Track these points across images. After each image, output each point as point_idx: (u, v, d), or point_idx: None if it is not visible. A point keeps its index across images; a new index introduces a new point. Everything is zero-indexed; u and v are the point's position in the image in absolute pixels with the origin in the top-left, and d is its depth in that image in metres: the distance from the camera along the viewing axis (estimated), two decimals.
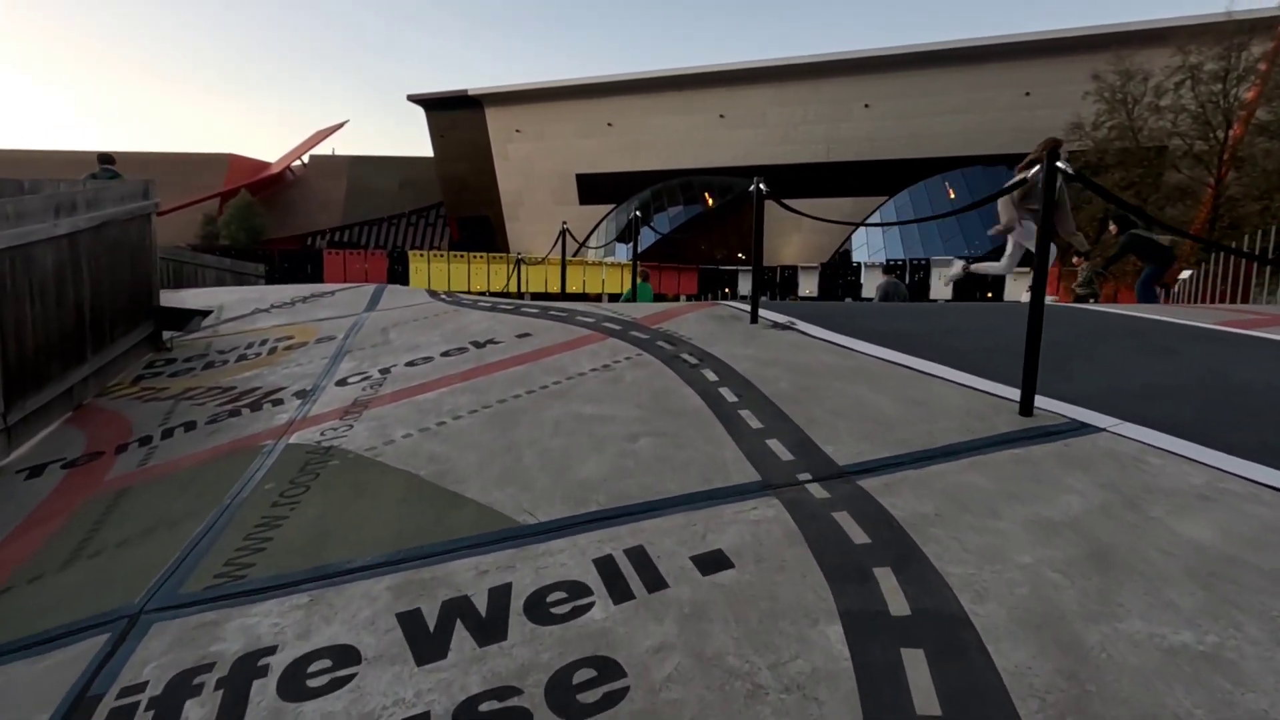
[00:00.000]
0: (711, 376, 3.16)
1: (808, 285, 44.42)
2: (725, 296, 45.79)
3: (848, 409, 2.72)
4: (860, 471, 2.20)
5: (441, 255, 48.08)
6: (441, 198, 59.36)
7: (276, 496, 2.38)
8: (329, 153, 65.31)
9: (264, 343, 4.81)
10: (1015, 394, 2.67)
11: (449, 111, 53.91)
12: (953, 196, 44.95)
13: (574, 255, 52.13)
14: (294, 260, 45.59)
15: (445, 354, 3.95)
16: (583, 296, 46.48)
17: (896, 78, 43.21)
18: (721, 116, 47.72)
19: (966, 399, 2.78)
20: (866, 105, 44.44)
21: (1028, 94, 41.14)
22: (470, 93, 52.50)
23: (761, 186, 4.20)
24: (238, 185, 58.16)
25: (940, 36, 61.95)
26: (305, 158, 64.84)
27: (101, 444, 3.34)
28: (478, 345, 4.03)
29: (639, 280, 8.26)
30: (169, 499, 2.61)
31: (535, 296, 47.72)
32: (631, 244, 50.54)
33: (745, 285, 46.03)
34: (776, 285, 44.84)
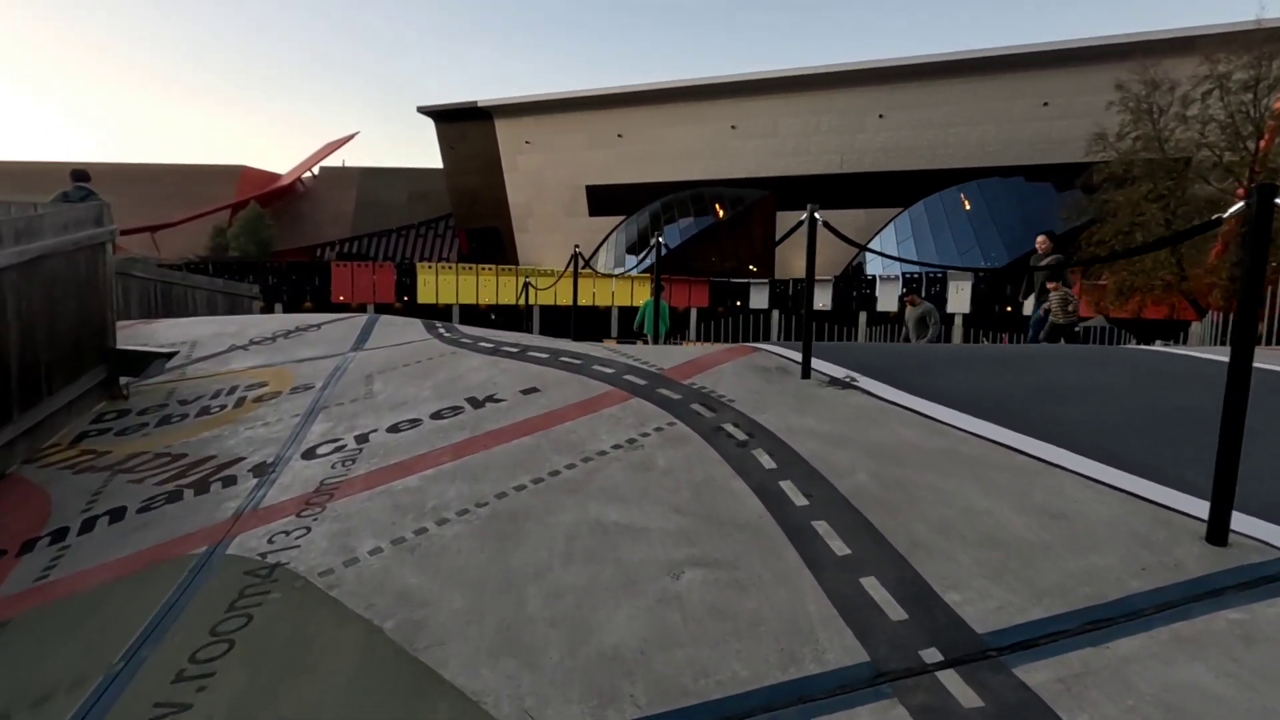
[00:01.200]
0: (767, 462, 2.48)
1: (821, 299, 43.60)
2: (737, 309, 45.02)
3: (958, 523, 2.04)
4: (1013, 648, 1.51)
5: (450, 267, 47.64)
6: (451, 209, 59.09)
7: (186, 661, 1.72)
8: (339, 164, 65.36)
9: (233, 390, 4.17)
10: (1186, 503, 1.99)
11: (459, 123, 53.69)
12: (968, 208, 44.20)
13: (583, 267, 51.67)
14: (302, 272, 45.31)
15: (436, 415, 3.29)
16: (593, 310, 45.89)
17: (911, 88, 42.54)
18: (733, 127, 47.16)
19: (1119, 509, 2.09)
20: (881, 116, 43.78)
21: (1046, 104, 40.38)
22: (480, 104, 52.26)
23: (816, 215, 3.53)
24: (248, 197, 58.17)
25: (956, 46, 61.37)
26: (316, 169, 64.89)
27: (7, 538, 2.70)
28: (475, 404, 3.37)
29: (657, 302, 7.61)
30: (50, 646, 1.96)
31: (544, 310, 47.09)
32: (650, 259, 49.98)
33: (757, 299, 45.29)
34: (789, 299, 44.16)
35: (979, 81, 41.09)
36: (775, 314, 45.00)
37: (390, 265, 48.43)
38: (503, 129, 52.98)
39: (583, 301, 47.68)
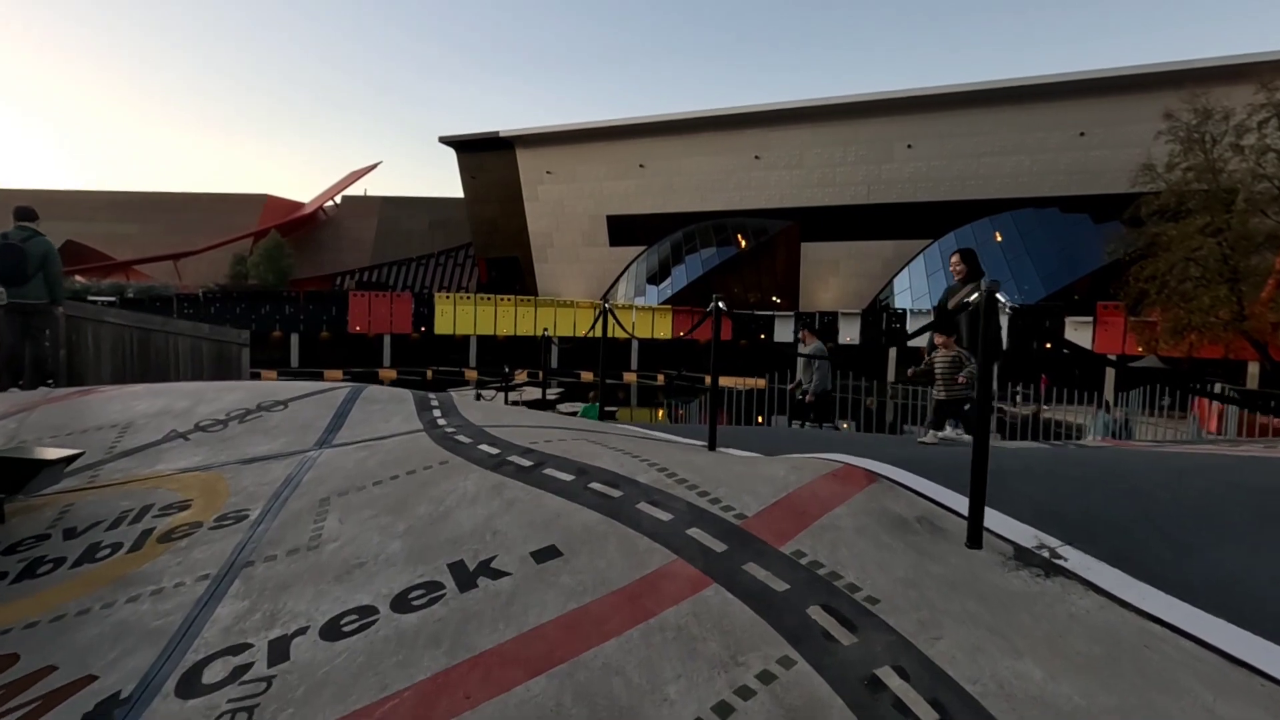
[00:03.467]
0: None
1: (848, 332, 42.20)
2: (760, 342, 43.63)
3: None
4: None
5: (468, 298, 47.00)
6: (471, 238, 58.81)
7: None
8: (361, 193, 65.69)
9: (144, 513, 3.05)
10: None
11: (480, 153, 53.62)
12: (999, 240, 42.72)
13: (602, 298, 50.82)
14: (320, 302, 44.90)
15: (401, 600, 2.13)
16: (612, 342, 44.84)
17: (941, 117, 41.47)
18: (757, 157, 46.33)
19: None
20: (909, 146, 42.68)
21: (1082, 134, 39.06)
22: (501, 134, 52.17)
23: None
24: (271, 225, 58.42)
25: (987, 75, 60.60)
26: (338, 198, 65.25)
27: None
28: (462, 579, 2.20)
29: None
30: None
31: (563, 341, 46.14)
32: (671, 290, 48.92)
33: (782, 331, 43.94)
34: (816, 332, 42.74)
35: (1012, 111, 39.93)
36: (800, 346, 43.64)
37: (408, 295, 47.92)
38: (524, 159, 52.74)
39: (599, 333, 46.90)
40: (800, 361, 8.33)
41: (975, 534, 2.17)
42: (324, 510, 2.88)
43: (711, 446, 3.78)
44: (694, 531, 2.34)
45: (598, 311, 4.93)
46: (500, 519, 2.58)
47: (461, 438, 3.60)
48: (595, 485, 2.77)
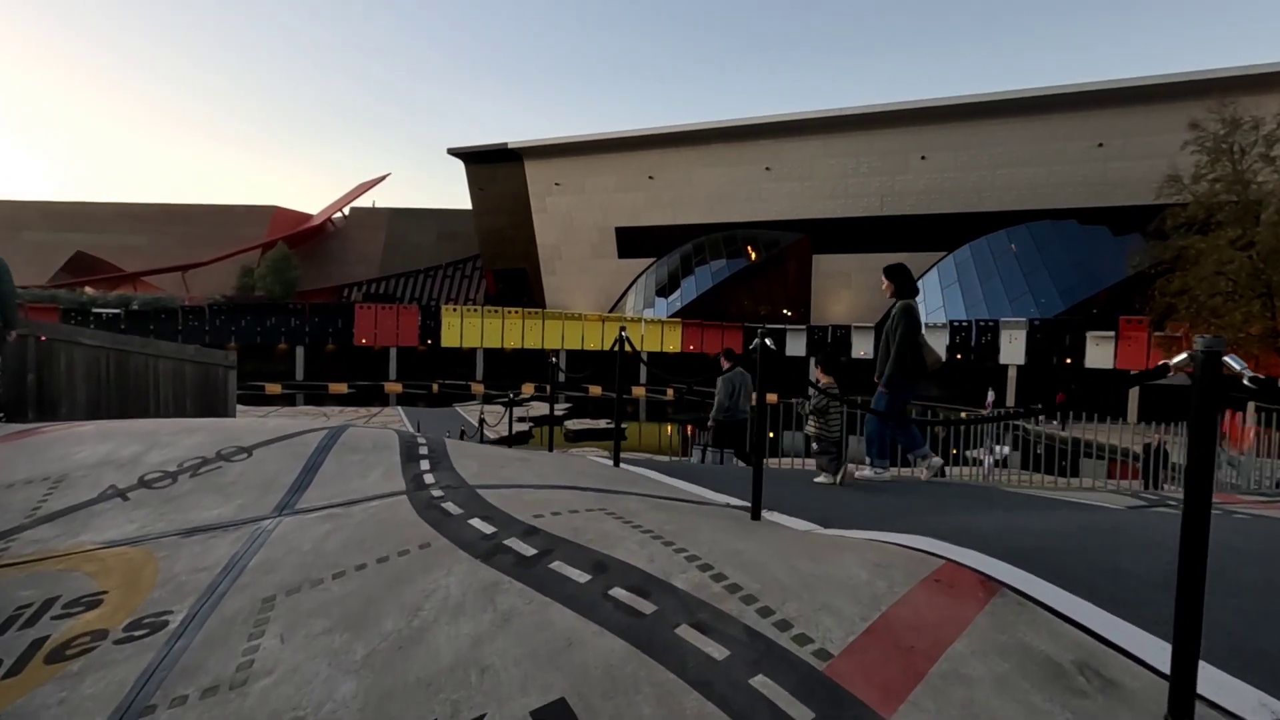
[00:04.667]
0: None
1: (862, 347, 41.36)
2: (835, 341, 42.53)
3: None
4: None
5: (475, 310, 46.52)
6: (479, 250, 58.47)
7: None
8: (369, 205, 65.60)
9: (41, 615, 2.40)
10: None
11: (488, 164, 53.35)
12: (1014, 250, 41.84)
13: (611, 310, 50.29)
14: (325, 314, 44.51)
15: None
16: (621, 355, 44.21)
17: (956, 128, 40.77)
18: (768, 169, 45.74)
19: None
20: (923, 157, 41.95)
21: (1100, 145, 38.24)
22: (510, 146, 51.90)
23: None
24: (279, 237, 58.30)
25: (1002, 86, 59.92)
26: (346, 210, 65.18)
27: None
28: None
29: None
30: None
31: (571, 355, 45.57)
32: (680, 303, 48.27)
33: (794, 345, 43.16)
34: (828, 346, 41.89)
35: (1028, 122, 39.19)
36: (813, 361, 42.78)
37: (415, 307, 47.47)
38: (532, 170, 52.42)
39: (610, 344, 46.24)
40: (720, 384, 7.79)
41: (1183, 706, 1.49)
42: (265, 617, 2.21)
43: (755, 513, 3.09)
44: (761, 683, 1.66)
45: (615, 339, 4.27)
46: (492, 644, 1.90)
47: (450, 505, 2.93)
48: (618, 592, 2.09)
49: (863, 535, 2.72)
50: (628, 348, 4.62)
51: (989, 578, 2.09)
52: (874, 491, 4.62)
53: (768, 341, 3.19)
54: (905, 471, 7.00)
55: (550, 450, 6.59)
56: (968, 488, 5.69)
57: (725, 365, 8.04)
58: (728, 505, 3.50)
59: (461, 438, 12.44)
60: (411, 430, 23.07)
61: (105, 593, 2.51)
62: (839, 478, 4.71)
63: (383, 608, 2.17)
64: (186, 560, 2.69)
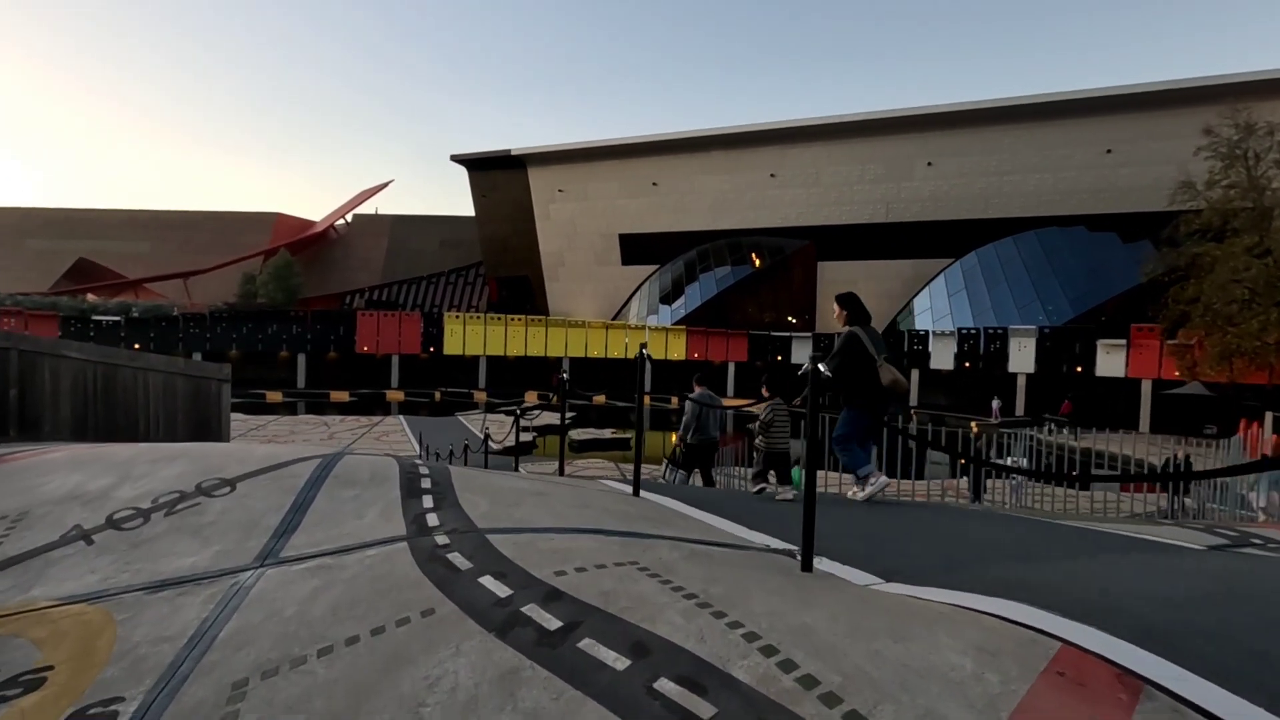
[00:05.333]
0: None
1: None
2: (777, 364, 42.31)
3: None
4: None
5: (478, 317, 46.15)
6: (481, 257, 58.18)
7: None
8: (372, 211, 65.43)
9: None
10: None
11: (492, 171, 53.12)
12: (1021, 258, 41.32)
13: (614, 317, 49.93)
14: (327, 321, 44.19)
15: None
16: (624, 363, 43.80)
17: (962, 134, 40.40)
18: (772, 175, 45.41)
19: None
20: (930, 163, 41.58)
21: (1109, 151, 37.83)
22: (513, 152, 51.68)
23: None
24: (281, 243, 58.09)
25: (1009, 91, 59.65)
26: (349, 216, 65.00)
27: None
28: None
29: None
30: None
31: (574, 362, 45.23)
32: (684, 312, 47.89)
33: (799, 352, 42.73)
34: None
35: (1035, 127, 38.81)
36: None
37: (417, 314, 47.12)
38: (535, 177, 52.16)
39: (615, 353, 45.85)
40: (688, 406, 7.53)
41: None
42: (234, 711, 1.82)
43: (806, 563, 2.70)
44: None
45: (637, 356, 3.89)
46: None
47: (457, 556, 2.54)
48: (666, 685, 1.70)
49: (942, 598, 2.32)
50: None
51: (1126, 671, 1.69)
52: (911, 520, 4.23)
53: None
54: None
55: (561, 472, 6.20)
56: (1012, 520, 5.29)
57: (696, 388, 8.04)
58: (769, 549, 3.11)
59: (465, 452, 12.05)
60: (413, 439, 22.56)
61: (51, 668, 2.13)
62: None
63: (377, 700, 1.78)
64: (150, 625, 2.30)
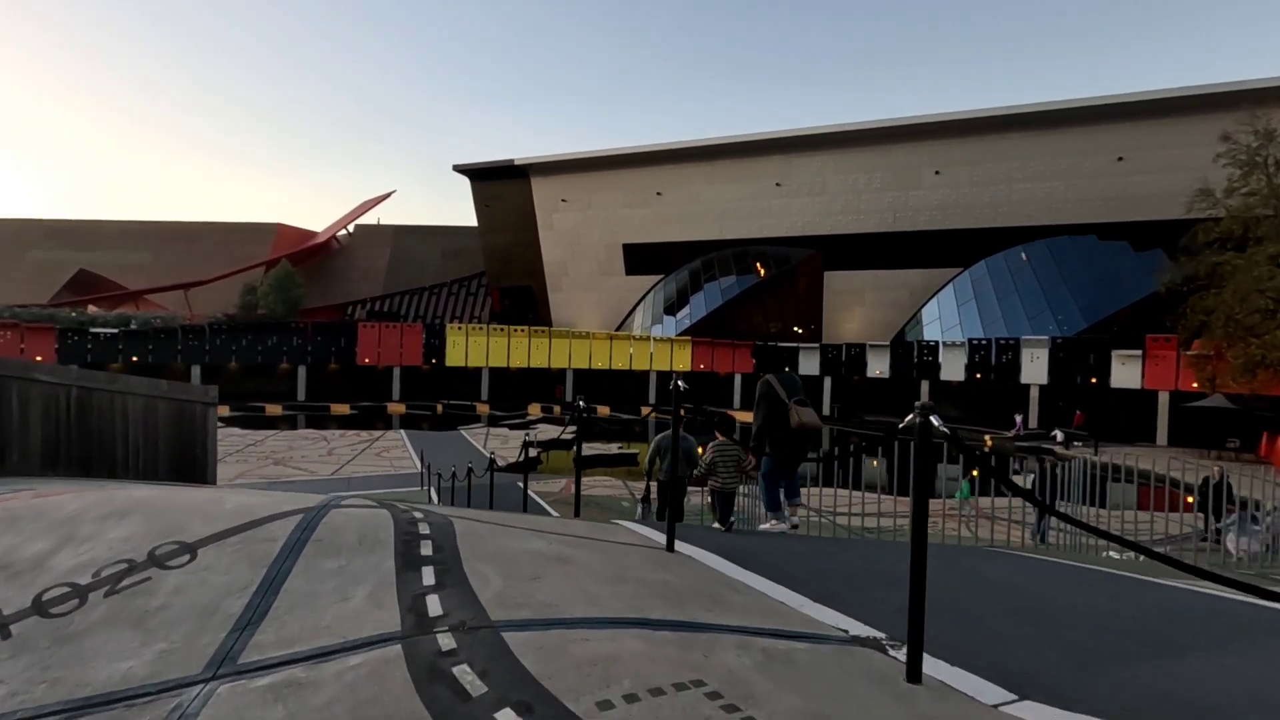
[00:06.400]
0: None
1: (878, 365, 40.24)
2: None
3: None
4: None
5: (481, 329, 45.58)
6: (484, 268, 57.69)
7: None
8: (374, 222, 65.08)
9: None
10: None
11: (495, 181, 52.73)
12: (1031, 266, 40.73)
13: (618, 328, 49.40)
14: (328, 333, 43.65)
15: None
16: (629, 375, 43.20)
17: (970, 142, 39.91)
18: (778, 184, 44.93)
19: None
20: (938, 172, 41.07)
21: (1120, 159, 37.33)
22: (516, 162, 51.30)
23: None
24: (282, 254, 57.71)
25: (1019, 99, 59.37)
26: (351, 227, 64.67)
27: None
28: None
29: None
30: None
31: (579, 375, 44.55)
32: (685, 322, 47.28)
33: (806, 364, 42.09)
34: (843, 364, 40.82)
35: (1045, 135, 38.31)
36: (827, 380, 41.62)
37: (419, 326, 46.55)
38: (539, 187, 51.74)
39: (619, 364, 45.21)
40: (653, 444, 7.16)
41: None
42: None
43: (914, 669, 2.10)
44: None
45: (672, 385, 3.33)
46: None
47: (466, 672, 1.95)
48: None
49: None
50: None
51: None
52: (981, 575, 3.63)
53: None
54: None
55: (577, 512, 5.61)
56: (1102, 579, 4.69)
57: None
58: (849, 637, 2.51)
59: (469, 475, 11.45)
60: (414, 456, 21.75)
61: None
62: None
63: None
64: None
